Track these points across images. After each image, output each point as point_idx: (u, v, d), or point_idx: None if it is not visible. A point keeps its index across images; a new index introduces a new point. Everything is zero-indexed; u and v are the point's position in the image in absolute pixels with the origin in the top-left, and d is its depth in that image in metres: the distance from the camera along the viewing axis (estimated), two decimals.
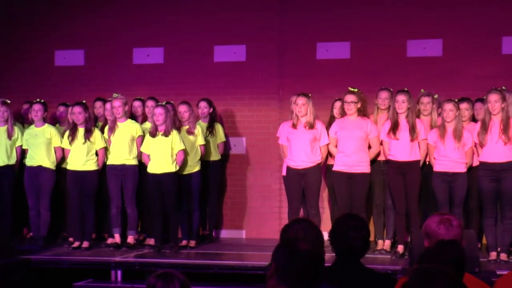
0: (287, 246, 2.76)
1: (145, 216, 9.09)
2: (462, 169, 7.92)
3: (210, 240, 9.53)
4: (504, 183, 7.72)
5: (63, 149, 8.98)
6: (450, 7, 9.68)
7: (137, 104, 9.47)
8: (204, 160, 9.14)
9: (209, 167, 9.31)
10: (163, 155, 8.51)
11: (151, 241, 8.82)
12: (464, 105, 8.18)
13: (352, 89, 8.31)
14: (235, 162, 10.17)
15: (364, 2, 9.96)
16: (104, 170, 8.87)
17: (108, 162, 8.86)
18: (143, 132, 8.85)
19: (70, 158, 8.85)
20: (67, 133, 8.90)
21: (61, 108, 9.67)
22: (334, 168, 8.29)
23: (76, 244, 8.73)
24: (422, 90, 8.39)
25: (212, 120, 9.48)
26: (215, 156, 9.42)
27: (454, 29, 9.62)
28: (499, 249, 7.80)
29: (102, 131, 8.97)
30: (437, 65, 9.65)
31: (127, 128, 8.83)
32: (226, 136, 9.75)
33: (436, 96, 8.47)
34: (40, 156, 8.93)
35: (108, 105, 9.04)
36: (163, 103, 8.74)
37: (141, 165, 8.80)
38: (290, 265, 2.72)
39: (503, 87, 8.11)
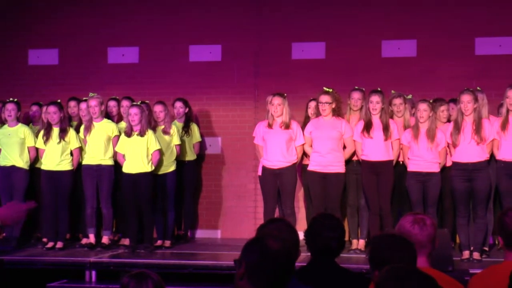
0: (258, 245, 2.74)
1: (120, 216, 9.06)
2: (436, 169, 7.99)
3: (185, 240, 9.52)
4: (476, 183, 7.79)
5: (37, 149, 8.91)
6: (424, 8, 9.75)
7: (112, 104, 9.42)
8: (180, 160, 9.13)
9: (185, 167, 9.29)
10: (138, 155, 8.49)
11: (126, 241, 8.78)
12: (443, 107, 8.25)
13: (327, 90, 8.34)
14: (211, 162, 10.16)
15: (340, 2, 10.00)
16: (79, 170, 8.82)
17: (84, 162, 8.81)
18: (120, 132, 8.81)
19: (44, 158, 8.79)
20: (41, 132, 8.83)
21: (34, 108, 9.60)
22: (309, 168, 8.31)
23: (50, 244, 8.67)
24: (393, 91, 8.44)
25: (188, 120, 9.47)
26: (190, 156, 9.41)
27: (428, 30, 9.70)
28: (472, 248, 7.88)
29: (77, 131, 8.92)
30: (411, 66, 9.72)
31: (104, 128, 8.79)
32: (202, 136, 9.74)
33: (409, 96, 8.53)
34: (13, 156, 8.86)
35: (83, 105, 8.98)
36: (138, 103, 8.72)
37: (117, 165, 8.76)
38: (261, 265, 2.70)
39: (478, 88, 8.19)
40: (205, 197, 10.17)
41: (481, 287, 3.93)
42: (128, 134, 8.54)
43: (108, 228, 8.79)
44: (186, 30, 10.31)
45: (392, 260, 3.24)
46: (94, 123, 8.76)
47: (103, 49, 10.53)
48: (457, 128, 7.85)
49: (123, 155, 8.59)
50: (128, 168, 8.53)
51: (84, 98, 9.01)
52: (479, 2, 9.65)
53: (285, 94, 8.42)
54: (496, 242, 8.22)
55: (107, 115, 9.25)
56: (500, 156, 7.81)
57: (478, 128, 7.78)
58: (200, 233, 10.10)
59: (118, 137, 8.76)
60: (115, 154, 8.77)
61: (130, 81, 10.31)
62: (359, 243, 8.41)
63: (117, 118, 9.36)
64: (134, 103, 8.77)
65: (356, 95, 8.48)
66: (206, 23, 10.28)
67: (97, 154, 8.72)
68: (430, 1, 9.78)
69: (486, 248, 8.12)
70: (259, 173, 8.57)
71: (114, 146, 8.76)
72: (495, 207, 8.21)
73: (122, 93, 9.64)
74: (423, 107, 7.98)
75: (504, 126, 7.77)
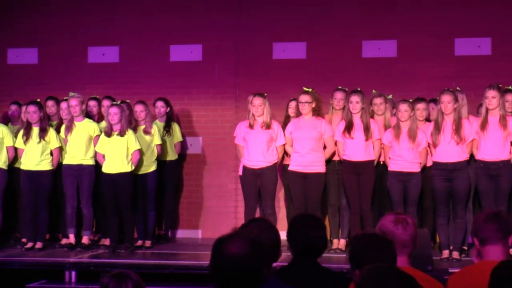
0: (214, 249, 2.72)
1: (100, 216, 9.02)
2: (416, 169, 8.03)
3: (166, 240, 9.50)
4: (456, 182, 7.84)
5: (15, 149, 8.85)
6: (405, 9, 9.80)
7: (92, 103, 9.38)
8: (161, 160, 9.11)
9: (166, 166, 9.28)
10: (118, 155, 8.46)
11: (106, 241, 8.74)
12: (421, 105, 8.29)
13: (307, 89, 8.36)
14: (192, 161, 10.15)
15: (320, 3, 10.03)
16: (59, 170, 8.78)
17: (64, 162, 8.76)
18: (101, 132, 8.77)
19: (24, 157, 8.73)
20: (21, 132, 8.77)
21: (13, 107, 9.53)
22: (290, 168, 8.33)
23: (30, 244, 8.62)
24: (374, 91, 8.49)
25: (169, 119, 9.45)
26: (171, 156, 9.40)
27: (408, 30, 9.75)
28: (451, 247, 7.93)
29: (57, 131, 8.87)
30: (392, 66, 9.76)
31: (85, 128, 8.75)
32: (183, 135, 9.72)
33: (390, 96, 8.57)
34: None
35: (63, 104, 8.94)
36: (118, 103, 8.69)
37: (97, 165, 8.73)
38: (216, 269, 2.69)
39: (458, 88, 8.24)
40: (186, 197, 10.15)
41: (460, 286, 3.96)
42: (108, 133, 8.51)
43: (88, 228, 8.75)
44: (167, 29, 10.29)
45: (372, 260, 3.25)
46: (76, 122, 8.72)
47: (83, 48, 10.48)
48: (437, 128, 7.90)
49: (103, 155, 8.55)
50: (108, 168, 8.50)
51: (65, 98, 8.96)
52: (459, 3, 9.71)
53: (266, 94, 8.43)
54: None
55: (88, 115, 9.21)
56: (479, 156, 7.87)
57: (458, 128, 7.83)
58: (180, 233, 10.08)
59: (99, 136, 8.72)
60: (96, 153, 8.73)
61: (110, 81, 10.26)
62: (340, 243, 8.44)
63: (97, 118, 9.33)
64: (114, 102, 8.74)
65: (338, 95, 8.50)
66: (187, 23, 10.26)
67: (78, 154, 8.68)
68: (410, 2, 9.83)
69: (465, 248, 8.17)
70: (240, 173, 8.57)
71: (95, 145, 8.71)
72: (474, 207, 8.27)
73: (102, 92, 9.60)
74: (404, 107, 8.02)
75: (483, 126, 7.82)
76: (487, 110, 7.84)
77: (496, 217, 3.89)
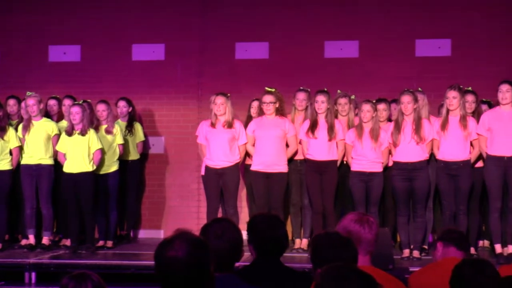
0: (156, 251, 2.74)
1: (61, 216, 8.93)
2: (379, 168, 8.10)
3: (128, 240, 9.45)
4: (416, 182, 7.93)
5: None
6: (366, 10, 9.88)
7: (52, 102, 9.30)
8: (123, 160, 9.06)
9: (128, 166, 9.23)
10: (79, 154, 8.39)
11: (67, 242, 8.67)
12: (381, 106, 8.36)
13: (269, 89, 8.38)
14: (154, 161, 10.10)
15: (283, 3, 10.05)
16: (18, 169, 8.67)
17: (23, 162, 8.66)
18: (59, 131, 8.70)
19: None
20: None
21: None
22: (252, 168, 8.34)
23: None
24: (339, 91, 8.54)
25: (131, 119, 9.41)
26: (133, 155, 9.35)
27: (370, 31, 9.83)
28: (412, 246, 8.01)
29: (17, 130, 8.76)
30: (354, 66, 9.83)
31: (43, 127, 8.67)
32: (145, 135, 9.68)
33: (353, 97, 8.63)
34: None
35: (24, 104, 8.84)
36: (80, 102, 8.62)
37: (57, 164, 8.65)
38: (157, 271, 2.72)
39: (419, 89, 8.34)
40: (148, 197, 10.11)
41: (420, 283, 4.01)
42: (69, 133, 8.44)
43: (48, 229, 8.66)
44: (129, 28, 10.23)
45: (333, 259, 3.27)
46: (33, 122, 8.64)
47: (44, 47, 10.37)
48: (398, 128, 7.97)
49: (64, 155, 8.48)
50: (69, 167, 8.43)
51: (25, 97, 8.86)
52: (419, 4, 9.81)
53: (229, 94, 8.43)
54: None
55: (47, 114, 9.12)
56: (440, 156, 7.96)
57: (417, 128, 7.92)
58: (142, 233, 10.03)
59: (58, 136, 8.65)
60: (55, 153, 8.65)
61: (72, 80, 10.16)
62: (302, 243, 8.47)
63: (57, 117, 9.25)
64: (76, 102, 8.67)
65: (301, 96, 8.54)
66: (149, 22, 10.21)
67: (36, 154, 8.59)
68: (372, 3, 9.91)
69: (426, 247, 8.26)
70: (202, 172, 8.55)
71: (54, 145, 8.65)
72: (434, 206, 8.37)
73: (63, 91, 9.51)
74: (366, 107, 8.09)
75: (444, 126, 7.92)
76: (447, 110, 7.94)
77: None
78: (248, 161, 8.60)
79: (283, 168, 8.26)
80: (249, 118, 8.79)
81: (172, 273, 2.68)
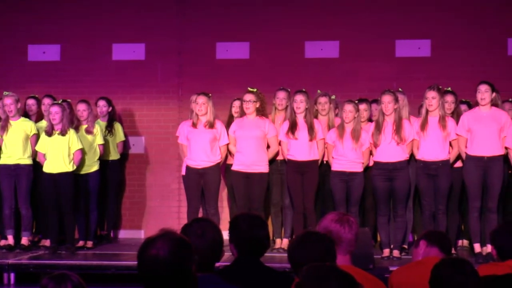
0: (138, 252, 2.74)
1: (41, 216, 8.88)
2: (359, 168, 8.12)
3: (108, 240, 9.41)
4: (396, 182, 7.97)
5: None
6: (347, 11, 9.91)
7: (31, 102, 9.24)
8: (103, 160, 9.03)
9: (108, 166, 9.20)
10: (59, 154, 8.35)
11: (46, 242, 8.62)
12: (362, 106, 8.39)
13: (251, 89, 8.39)
14: (134, 161, 10.07)
15: (263, 3, 10.06)
16: None
17: (1, 162, 8.61)
18: (38, 131, 8.66)
19: None
20: None
21: None
22: (233, 168, 8.34)
23: None
24: (319, 91, 8.56)
25: (111, 119, 9.38)
26: (114, 155, 9.32)
27: (350, 31, 9.86)
28: (392, 246, 8.05)
29: None
30: (334, 67, 9.87)
31: (21, 127, 8.62)
32: (125, 135, 9.65)
33: (333, 97, 8.66)
34: None
35: (1, 103, 8.78)
36: (60, 102, 8.58)
37: (36, 164, 8.60)
38: (139, 271, 2.72)
39: (400, 89, 8.38)
40: (129, 197, 10.07)
41: (400, 283, 4.03)
42: (49, 133, 8.40)
43: (27, 229, 8.61)
44: (110, 28, 10.19)
45: (313, 259, 3.28)
46: (11, 121, 8.59)
47: (23, 46, 10.29)
48: (378, 128, 8.01)
49: (44, 155, 8.43)
50: (49, 167, 8.38)
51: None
52: (399, 5, 9.86)
53: (210, 94, 8.42)
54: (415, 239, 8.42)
55: (26, 114, 9.07)
56: (420, 156, 8.01)
57: (398, 128, 7.96)
58: (123, 233, 10.00)
59: (36, 135, 8.61)
60: (34, 153, 8.60)
61: (51, 79, 10.11)
62: (283, 242, 8.48)
63: (36, 117, 9.20)
64: (55, 101, 8.63)
65: (281, 95, 8.55)
66: (130, 22, 10.18)
67: (14, 153, 8.54)
68: (352, 4, 9.94)
69: (406, 246, 8.31)
70: (183, 172, 8.55)
71: (32, 145, 8.60)
72: (414, 206, 8.41)
73: (43, 91, 9.45)
74: (348, 108, 8.11)
75: (423, 126, 7.96)
76: (427, 110, 7.98)
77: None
78: (229, 161, 8.60)
79: (264, 168, 8.27)
80: (231, 118, 8.79)
81: (153, 273, 2.68)
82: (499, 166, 7.85)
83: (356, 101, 8.27)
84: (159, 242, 2.71)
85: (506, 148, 7.88)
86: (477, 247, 7.92)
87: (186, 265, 2.71)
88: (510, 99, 8.72)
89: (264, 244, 3.81)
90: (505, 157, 7.93)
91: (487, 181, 7.83)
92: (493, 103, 7.97)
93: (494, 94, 7.91)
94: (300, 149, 8.21)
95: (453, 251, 7.86)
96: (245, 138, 8.25)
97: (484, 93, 7.85)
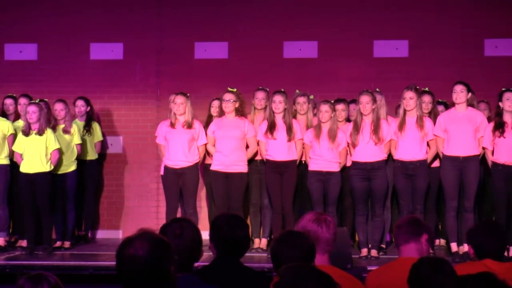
0: (116, 252, 2.74)
1: (17, 217, 8.82)
2: (336, 168, 8.15)
3: (86, 240, 9.37)
4: (374, 182, 8.01)
5: None
6: (325, 11, 9.94)
7: (8, 101, 9.17)
8: (81, 160, 8.98)
9: (86, 166, 9.16)
10: (36, 154, 8.30)
11: (23, 243, 8.57)
12: (340, 106, 8.42)
13: (231, 89, 8.40)
14: (112, 161, 10.03)
15: (242, 3, 10.07)
16: None
17: None
18: (15, 130, 8.59)
19: None
20: None
21: None
22: (212, 168, 8.33)
23: None
24: (297, 91, 8.58)
25: (89, 119, 9.34)
26: (92, 155, 9.28)
27: (329, 31, 9.89)
28: (370, 245, 8.09)
29: None
30: (313, 67, 9.89)
31: None
32: (103, 135, 9.60)
33: (311, 96, 8.68)
34: None
35: None
36: (37, 101, 8.53)
37: (13, 164, 8.53)
38: (118, 270, 2.72)
39: (377, 89, 8.42)
40: (106, 197, 10.03)
41: (378, 282, 4.06)
42: (26, 133, 8.34)
43: (4, 230, 8.55)
44: (87, 27, 10.13)
45: (295, 258, 3.30)
46: None
47: None
48: (356, 128, 8.04)
49: (21, 155, 8.38)
50: (26, 167, 8.33)
51: None
52: (378, 6, 9.91)
53: (188, 94, 8.41)
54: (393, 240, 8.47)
55: (3, 113, 9.00)
56: (397, 156, 8.05)
57: (376, 128, 8.00)
58: (101, 234, 9.95)
59: (13, 135, 8.55)
60: (11, 153, 8.54)
61: (28, 79, 10.04)
62: (262, 242, 8.49)
63: (14, 117, 9.13)
64: (32, 101, 8.57)
65: (260, 95, 8.56)
66: (108, 21, 10.13)
67: None
68: (330, 4, 9.97)
69: (383, 246, 8.35)
70: (161, 172, 8.53)
71: (9, 145, 8.54)
72: (392, 205, 8.45)
73: (20, 90, 9.38)
74: (325, 108, 8.14)
75: (401, 126, 8.01)
76: (405, 111, 8.02)
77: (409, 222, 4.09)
78: (208, 161, 8.59)
79: (243, 168, 8.28)
80: (209, 118, 8.79)
81: (132, 272, 2.68)
82: (475, 166, 7.92)
83: (332, 101, 8.29)
84: (137, 241, 2.70)
85: (483, 148, 7.95)
86: (453, 246, 7.98)
87: (165, 265, 2.71)
88: (486, 100, 8.80)
89: (244, 245, 3.81)
90: (481, 157, 8.00)
91: (464, 181, 7.90)
92: (469, 104, 8.04)
93: (469, 94, 7.97)
94: (279, 149, 8.22)
95: (430, 251, 7.96)
96: (224, 138, 8.26)
97: (459, 93, 7.91)
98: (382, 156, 8.06)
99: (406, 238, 4.12)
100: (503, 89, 7.92)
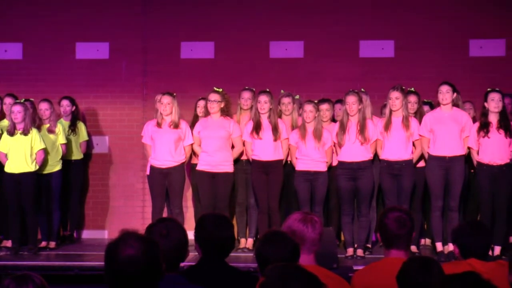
0: (105, 253, 2.72)
1: (2, 217, 8.77)
2: (323, 168, 8.17)
3: (71, 241, 9.34)
4: (360, 181, 8.03)
5: None
6: (311, 11, 9.95)
7: None
8: (66, 159, 8.95)
9: (71, 166, 9.13)
10: (21, 154, 8.26)
11: (8, 243, 8.52)
12: (325, 106, 8.43)
13: (217, 89, 8.40)
14: (98, 161, 10.00)
15: (228, 2, 10.06)
16: None
17: None
18: (1, 131, 8.54)
19: None
20: None
21: None
22: (198, 168, 8.33)
23: None
24: (282, 91, 8.59)
25: (75, 118, 9.31)
26: (77, 155, 9.25)
27: (315, 31, 9.90)
28: (356, 245, 8.11)
29: None
30: (299, 67, 9.90)
31: None
32: (89, 135, 9.57)
33: (297, 96, 8.69)
34: None
35: None
36: (22, 101, 8.49)
37: None
38: (106, 270, 2.70)
39: (362, 89, 8.44)
40: (92, 197, 10.00)
41: (364, 282, 4.06)
42: (11, 132, 8.30)
43: None
44: (73, 26, 10.09)
45: (280, 257, 3.30)
46: None
47: None
48: (343, 128, 8.06)
49: (6, 155, 8.34)
50: (11, 167, 8.29)
51: None
52: (364, 6, 9.93)
53: (175, 94, 8.40)
54: (379, 239, 8.49)
55: None
56: (383, 155, 8.08)
57: (362, 128, 8.02)
58: (86, 234, 9.92)
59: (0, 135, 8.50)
60: None
61: (13, 78, 9.98)
62: (248, 242, 8.50)
63: None
64: (17, 100, 8.53)
65: (246, 95, 8.56)
66: (93, 20, 10.09)
67: None
68: (317, 4, 9.99)
69: (369, 245, 8.37)
70: (147, 172, 8.51)
71: None
72: (378, 205, 8.48)
73: (5, 90, 9.33)
74: (309, 108, 8.15)
75: (387, 126, 8.03)
76: (390, 111, 8.05)
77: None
78: (194, 161, 8.59)
79: (229, 168, 8.28)
80: (195, 118, 8.78)
81: (128, 273, 2.65)
82: (461, 166, 7.96)
83: (316, 101, 8.31)
84: (130, 241, 2.69)
85: (468, 148, 7.99)
86: (439, 245, 8.02)
87: (158, 264, 2.70)
88: (471, 100, 8.84)
89: (229, 245, 3.81)
90: (466, 156, 8.04)
91: (449, 180, 7.93)
92: (454, 104, 8.08)
93: (455, 94, 8.02)
94: (265, 149, 8.23)
95: (415, 250, 7.99)
96: (210, 138, 8.25)
97: (445, 94, 7.95)
98: (368, 156, 8.08)
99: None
100: (488, 89, 7.97)
